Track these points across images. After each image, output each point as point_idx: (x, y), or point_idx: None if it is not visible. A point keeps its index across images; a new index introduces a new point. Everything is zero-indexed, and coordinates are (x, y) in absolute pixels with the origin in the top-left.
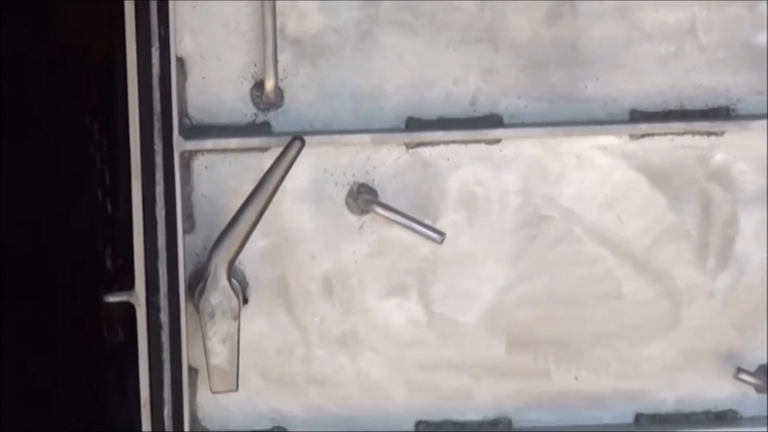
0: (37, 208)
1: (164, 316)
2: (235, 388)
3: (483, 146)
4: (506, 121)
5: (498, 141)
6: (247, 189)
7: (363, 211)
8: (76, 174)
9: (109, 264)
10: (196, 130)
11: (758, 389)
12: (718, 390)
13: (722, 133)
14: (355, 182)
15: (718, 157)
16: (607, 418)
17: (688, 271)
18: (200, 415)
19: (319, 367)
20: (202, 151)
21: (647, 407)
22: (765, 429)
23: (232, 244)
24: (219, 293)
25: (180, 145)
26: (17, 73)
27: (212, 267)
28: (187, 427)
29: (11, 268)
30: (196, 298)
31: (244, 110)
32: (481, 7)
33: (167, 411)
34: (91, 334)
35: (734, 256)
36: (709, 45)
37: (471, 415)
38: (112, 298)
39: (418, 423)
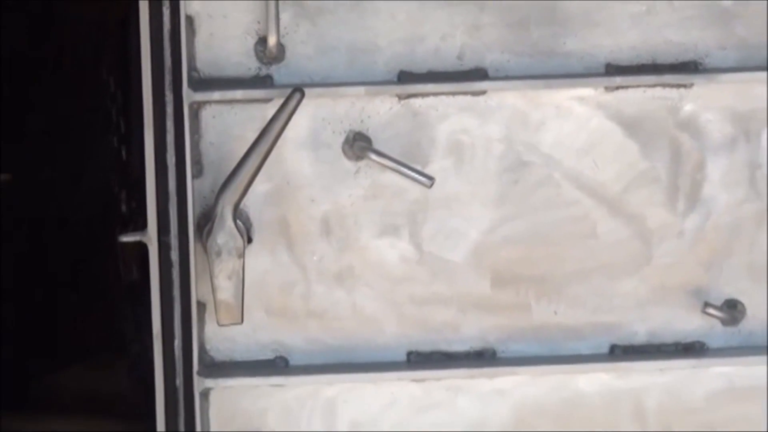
0: (59, 156)
1: (174, 255)
2: (240, 321)
3: (469, 98)
4: (491, 74)
5: (483, 93)
6: (252, 137)
7: (358, 158)
8: (93, 124)
9: (124, 207)
10: (204, 83)
11: (724, 322)
12: (686, 323)
13: (691, 86)
14: (350, 131)
15: (687, 108)
16: (584, 348)
17: (659, 212)
18: (208, 346)
19: (318, 302)
20: (209, 102)
21: (621, 339)
22: (731, 359)
23: (238, 187)
24: (225, 233)
25: (189, 96)
26: (40, 30)
27: (219, 209)
28: (195, 357)
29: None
30: (204, 237)
31: (248, 64)
32: None
33: (177, 342)
34: (109, 271)
35: (702, 199)
36: (678, 4)
37: (458, 346)
38: (126, 238)
39: (409, 353)
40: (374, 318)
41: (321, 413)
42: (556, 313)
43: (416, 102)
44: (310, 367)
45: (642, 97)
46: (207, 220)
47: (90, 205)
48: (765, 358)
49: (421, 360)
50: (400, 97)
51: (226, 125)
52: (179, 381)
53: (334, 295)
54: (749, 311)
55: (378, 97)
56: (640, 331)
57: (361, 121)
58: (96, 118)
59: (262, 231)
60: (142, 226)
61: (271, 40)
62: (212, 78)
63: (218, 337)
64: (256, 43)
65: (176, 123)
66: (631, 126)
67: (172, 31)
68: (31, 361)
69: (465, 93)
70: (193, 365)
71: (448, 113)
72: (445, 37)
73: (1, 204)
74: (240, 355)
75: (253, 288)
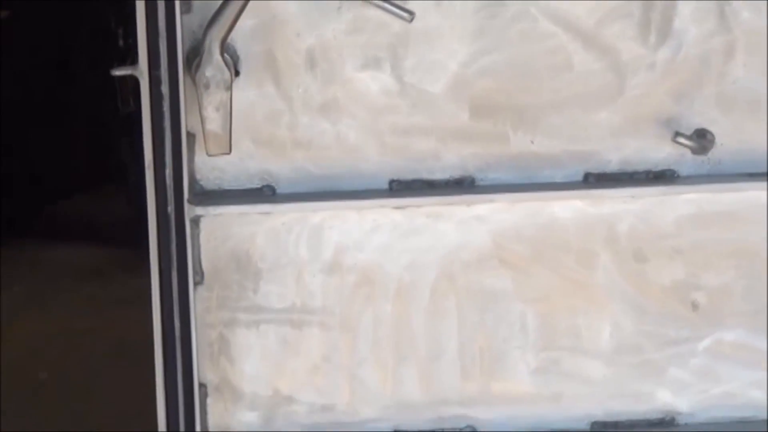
0: None
1: (165, 88)
2: (228, 150)
3: None
4: None
5: None
6: None
7: None
8: None
9: (121, 42)
10: None
11: (693, 151)
12: (657, 152)
13: None
14: None
15: None
16: (559, 176)
17: (632, 45)
18: (198, 176)
19: (303, 132)
20: None
21: (595, 167)
22: (699, 186)
23: (225, 23)
24: (213, 66)
25: None
26: None
27: (207, 43)
28: (186, 186)
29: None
30: (192, 71)
31: None
32: None
33: (168, 172)
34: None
35: (673, 32)
36: None
37: (439, 174)
38: (118, 72)
39: (391, 181)
40: (358, 148)
41: (307, 239)
42: (532, 142)
43: None
44: (297, 195)
45: None
46: (195, 54)
47: (90, 42)
48: (732, 185)
49: (403, 188)
50: None
51: None
52: (171, 208)
53: (319, 125)
54: (718, 140)
55: None
56: (613, 159)
57: None
58: None
59: (249, 64)
60: (134, 61)
61: None
62: None
63: (207, 166)
64: None
65: None
66: None
67: None
68: (35, 191)
69: None
70: (184, 193)
71: None
72: None
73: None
74: (228, 184)
75: (240, 119)
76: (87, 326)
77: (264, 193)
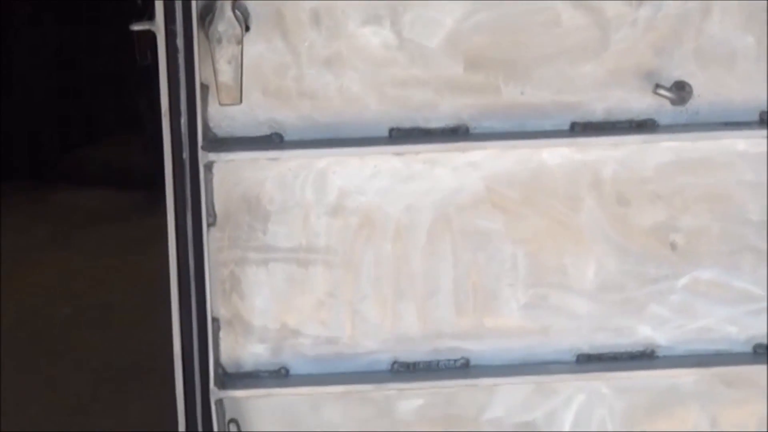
0: None
1: (180, 42)
2: (239, 101)
3: None
4: None
5: None
6: None
7: None
8: None
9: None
10: None
11: (672, 102)
12: (639, 102)
13: None
14: None
15: None
16: (548, 125)
17: (616, 4)
18: (211, 124)
19: (309, 84)
20: None
21: (581, 117)
22: (678, 135)
23: None
24: (225, 22)
25: None
26: None
27: (220, 0)
28: (200, 133)
29: None
30: (206, 26)
31: None
32: None
33: (183, 120)
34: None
35: None
36: None
37: (435, 123)
38: (137, 27)
39: (391, 129)
40: (359, 98)
41: (312, 183)
42: (522, 93)
43: None
44: (303, 142)
45: None
46: (209, 11)
47: (110, 1)
48: (709, 134)
49: (402, 135)
50: None
51: None
52: (185, 155)
53: (323, 77)
54: (695, 92)
55: None
56: (597, 109)
57: None
58: None
59: (258, 21)
60: (151, 17)
61: None
62: None
63: (220, 115)
64: None
65: None
66: None
67: None
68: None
69: None
70: (198, 141)
71: None
72: None
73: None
74: (239, 132)
75: (250, 71)
76: (108, 265)
77: (272, 141)
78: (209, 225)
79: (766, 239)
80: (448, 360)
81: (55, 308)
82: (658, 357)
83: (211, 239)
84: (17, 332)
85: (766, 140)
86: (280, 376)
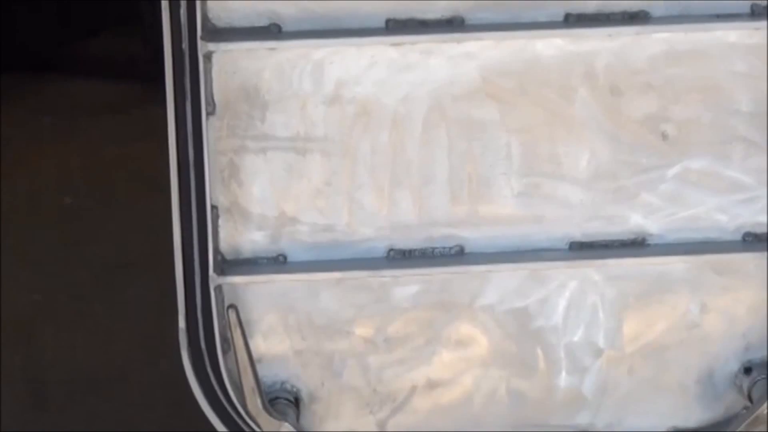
0: None
1: None
2: None
3: None
4: None
5: None
6: None
7: None
8: None
9: None
10: None
11: None
12: None
13: None
14: None
15: None
16: (542, 17)
17: None
18: (210, 15)
19: None
20: None
21: (575, 8)
22: (671, 26)
23: None
24: None
25: None
26: None
27: None
28: (199, 24)
29: None
30: None
31: None
32: None
33: (182, 11)
34: None
35: None
36: None
37: (431, 14)
38: None
39: (388, 21)
40: None
41: (310, 73)
42: None
43: None
44: (300, 32)
45: None
46: None
47: None
48: (701, 25)
49: (398, 26)
50: None
51: None
52: (185, 45)
53: None
54: None
55: None
56: (591, 1)
57: None
58: None
59: None
60: None
61: None
62: None
63: (219, 6)
64: None
65: None
66: None
67: None
68: (59, 29)
69: None
70: (197, 31)
71: None
72: None
73: None
74: (238, 22)
75: None
76: (109, 156)
77: (270, 31)
78: (208, 114)
79: (756, 129)
80: (443, 247)
81: (56, 198)
82: (649, 245)
83: (210, 128)
84: (17, 222)
85: (756, 32)
86: (278, 262)
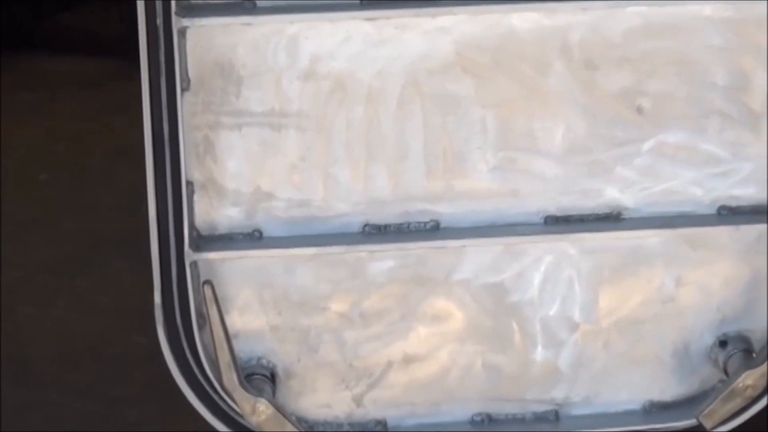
0: None
1: None
2: None
3: None
4: None
5: None
6: None
7: None
8: None
9: None
10: None
11: None
12: None
13: None
14: None
15: None
16: None
17: None
18: None
19: None
20: None
21: None
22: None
23: None
24: None
25: None
26: None
27: None
28: (173, 0)
29: None
30: None
31: None
32: None
33: None
34: None
35: None
36: None
37: None
38: None
39: None
40: None
41: (285, 48)
42: None
43: None
44: (275, 7)
45: None
46: None
47: None
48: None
49: (373, 1)
50: None
51: None
52: (159, 21)
53: None
54: None
55: None
56: None
57: None
58: None
59: None
60: None
61: None
62: None
63: None
64: None
65: None
66: None
67: None
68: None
69: None
70: (172, 6)
71: None
72: None
73: None
74: None
75: None
76: (84, 131)
77: (245, 6)
78: (183, 90)
79: (731, 103)
80: (419, 222)
81: (32, 173)
82: (624, 219)
83: (185, 104)
84: None
85: (731, 5)
86: (253, 238)
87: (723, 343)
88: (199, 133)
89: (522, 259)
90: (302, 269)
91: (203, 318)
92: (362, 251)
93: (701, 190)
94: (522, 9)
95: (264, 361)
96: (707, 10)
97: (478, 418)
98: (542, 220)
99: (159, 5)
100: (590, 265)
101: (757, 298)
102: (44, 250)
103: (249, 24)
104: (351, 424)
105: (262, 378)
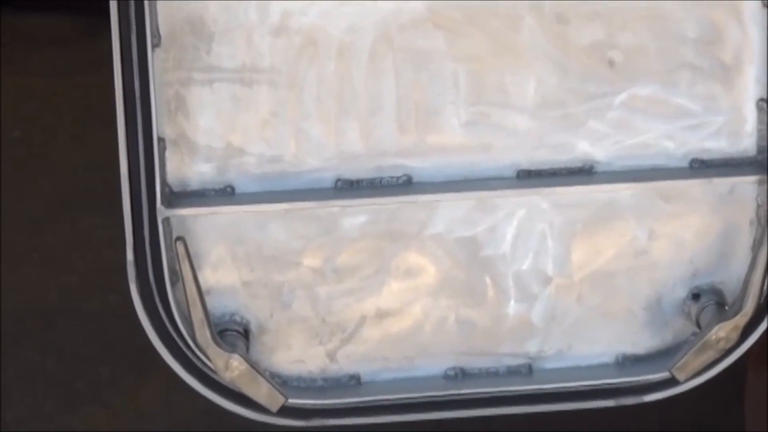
0: None
1: None
2: None
3: None
4: None
5: None
6: None
7: None
8: None
9: None
10: None
11: None
12: None
13: None
14: None
15: None
16: None
17: None
18: None
19: None
20: None
21: None
22: None
23: None
24: None
25: None
26: None
27: None
28: None
29: None
30: None
31: None
32: None
33: None
34: None
35: None
36: None
37: None
38: None
39: None
40: None
41: (256, 4)
42: None
43: None
44: None
45: None
46: None
47: None
48: None
49: None
50: None
51: None
52: None
53: None
54: None
55: None
56: None
57: None
58: None
59: None
60: None
61: None
62: None
63: None
64: None
65: None
66: None
67: None
68: None
69: None
70: None
71: None
72: None
73: None
74: None
75: None
76: (56, 89)
77: None
78: (154, 46)
79: (702, 56)
80: (391, 177)
81: (4, 131)
82: (596, 172)
83: (156, 60)
84: None
85: None
86: (225, 194)
87: (696, 296)
88: (171, 90)
89: (495, 214)
90: (274, 225)
91: (176, 275)
92: (334, 206)
93: (673, 143)
94: None
95: (237, 317)
96: None
97: (452, 373)
98: (515, 175)
99: None
100: (563, 219)
101: (729, 251)
102: (17, 207)
103: None
104: (324, 379)
105: (235, 334)
